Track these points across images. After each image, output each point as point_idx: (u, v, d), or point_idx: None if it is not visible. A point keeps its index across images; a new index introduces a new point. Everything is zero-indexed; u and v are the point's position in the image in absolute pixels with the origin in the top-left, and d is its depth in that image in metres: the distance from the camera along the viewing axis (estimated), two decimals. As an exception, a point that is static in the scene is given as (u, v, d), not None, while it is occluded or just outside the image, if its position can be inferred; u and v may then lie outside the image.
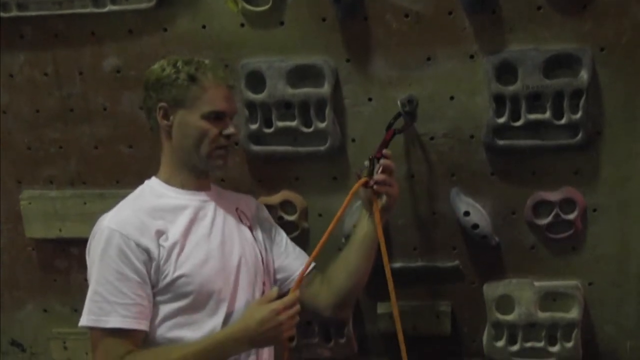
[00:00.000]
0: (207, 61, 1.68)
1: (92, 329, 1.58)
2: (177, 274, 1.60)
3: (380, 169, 1.71)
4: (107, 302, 1.57)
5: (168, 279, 1.60)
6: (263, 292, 1.75)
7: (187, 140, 1.66)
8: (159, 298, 1.62)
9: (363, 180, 1.72)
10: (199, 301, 1.62)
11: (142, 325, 1.58)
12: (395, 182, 1.75)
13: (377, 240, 1.76)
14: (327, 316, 1.91)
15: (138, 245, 1.58)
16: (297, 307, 1.63)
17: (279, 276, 1.85)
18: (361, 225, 1.79)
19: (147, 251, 1.59)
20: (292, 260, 1.86)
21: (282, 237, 1.90)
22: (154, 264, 1.59)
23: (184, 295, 1.61)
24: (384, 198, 1.75)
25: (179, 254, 1.62)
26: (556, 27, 1.79)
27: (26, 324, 2.26)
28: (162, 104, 1.67)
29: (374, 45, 1.87)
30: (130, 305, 1.57)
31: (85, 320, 1.58)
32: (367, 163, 1.73)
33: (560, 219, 1.90)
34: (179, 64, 1.66)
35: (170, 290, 1.61)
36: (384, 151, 1.74)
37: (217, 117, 1.65)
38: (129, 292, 1.57)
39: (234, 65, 1.90)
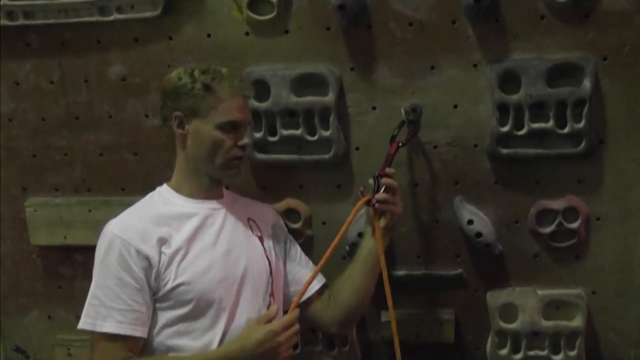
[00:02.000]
0: (224, 70, 1.68)
1: (90, 332, 1.60)
2: (177, 281, 1.61)
3: (383, 187, 1.72)
4: (104, 306, 1.58)
5: (169, 286, 1.61)
6: (269, 304, 1.73)
7: (202, 150, 1.66)
8: (159, 305, 1.63)
9: (365, 198, 1.73)
10: (199, 309, 1.62)
11: (138, 332, 1.59)
12: (400, 201, 1.76)
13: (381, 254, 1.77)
14: (332, 332, 1.92)
15: (138, 251, 1.59)
16: (296, 326, 1.63)
17: (291, 289, 1.85)
18: (365, 241, 1.80)
19: (147, 258, 1.59)
20: (305, 274, 1.85)
21: (296, 250, 1.90)
22: (154, 271, 1.60)
23: (184, 303, 1.62)
24: (387, 216, 1.76)
25: (180, 262, 1.62)
26: (559, 36, 1.80)
27: (30, 331, 2.26)
28: (178, 113, 1.66)
29: (378, 54, 1.87)
30: (127, 311, 1.58)
31: (82, 323, 1.60)
32: (371, 181, 1.74)
33: (563, 227, 1.91)
34: (196, 73, 1.65)
35: (171, 297, 1.61)
36: (387, 170, 1.74)
37: (232, 128, 1.65)
38: (126, 298, 1.58)
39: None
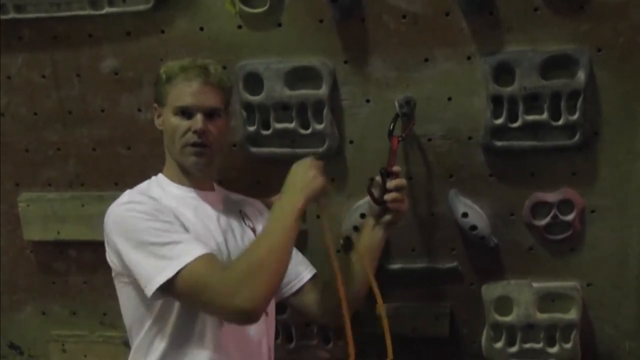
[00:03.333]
0: (203, 61, 1.71)
1: (179, 274, 1.48)
2: None
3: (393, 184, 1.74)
4: (175, 243, 1.51)
5: None
6: None
7: (166, 137, 1.71)
8: None
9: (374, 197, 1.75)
10: None
11: (208, 249, 1.54)
12: (406, 198, 1.77)
13: (379, 250, 1.79)
14: (325, 323, 1.93)
15: (158, 206, 1.59)
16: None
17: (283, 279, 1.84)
18: (366, 233, 1.80)
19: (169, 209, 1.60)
20: (294, 265, 1.84)
21: None
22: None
23: None
24: (392, 213, 1.76)
25: None
26: (553, 28, 1.79)
27: (25, 327, 2.26)
28: (155, 104, 1.74)
29: (372, 47, 1.87)
30: (189, 239, 1.53)
31: (162, 276, 1.48)
32: (378, 178, 1.75)
33: (558, 220, 1.90)
34: (171, 64, 1.70)
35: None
36: (395, 168, 1.75)
37: (185, 113, 1.66)
38: (180, 230, 1.55)
39: (232, 67, 1.90)
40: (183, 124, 1.65)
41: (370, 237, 1.78)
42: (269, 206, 1.93)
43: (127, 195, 1.66)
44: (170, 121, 1.67)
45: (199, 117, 1.65)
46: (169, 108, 1.68)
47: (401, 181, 1.75)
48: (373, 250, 1.79)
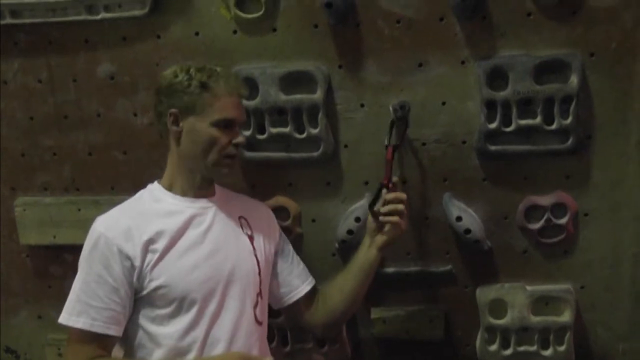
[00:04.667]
0: (219, 68, 1.69)
1: (66, 326, 1.61)
2: (160, 280, 1.61)
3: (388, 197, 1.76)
4: (81, 302, 1.59)
5: (152, 285, 1.61)
6: (257, 304, 1.73)
7: (196, 147, 1.65)
8: (142, 303, 1.63)
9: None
10: (182, 309, 1.62)
11: (112, 331, 1.60)
12: (407, 217, 1.77)
13: (375, 267, 1.79)
14: (317, 333, 1.95)
15: (121, 251, 1.59)
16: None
17: (282, 290, 1.85)
18: (362, 251, 1.81)
19: (129, 258, 1.59)
20: (295, 276, 1.86)
21: (289, 251, 1.90)
22: (136, 271, 1.60)
23: (167, 302, 1.62)
24: (389, 229, 1.77)
25: (164, 261, 1.62)
26: (546, 32, 1.80)
27: (21, 331, 2.26)
28: (173, 110, 1.65)
29: (366, 51, 1.88)
30: (102, 309, 1.58)
31: (60, 317, 1.61)
32: (383, 190, 1.77)
33: (552, 223, 1.91)
34: (192, 70, 1.66)
35: (154, 296, 1.61)
36: (394, 179, 1.78)
37: (227, 125, 1.65)
38: (103, 296, 1.58)
39: (227, 71, 1.91)
40: (224, 136, 1.65)
41: (367, 254, 1.79)
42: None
43: (101, 220, 1.66)
44: (208, 132, 1.64)
45: (238, 130, 1.69)
46: (206, 118, 1.64)
47: (395, 194, 1.75)
48: (369, 266, 1.79)
